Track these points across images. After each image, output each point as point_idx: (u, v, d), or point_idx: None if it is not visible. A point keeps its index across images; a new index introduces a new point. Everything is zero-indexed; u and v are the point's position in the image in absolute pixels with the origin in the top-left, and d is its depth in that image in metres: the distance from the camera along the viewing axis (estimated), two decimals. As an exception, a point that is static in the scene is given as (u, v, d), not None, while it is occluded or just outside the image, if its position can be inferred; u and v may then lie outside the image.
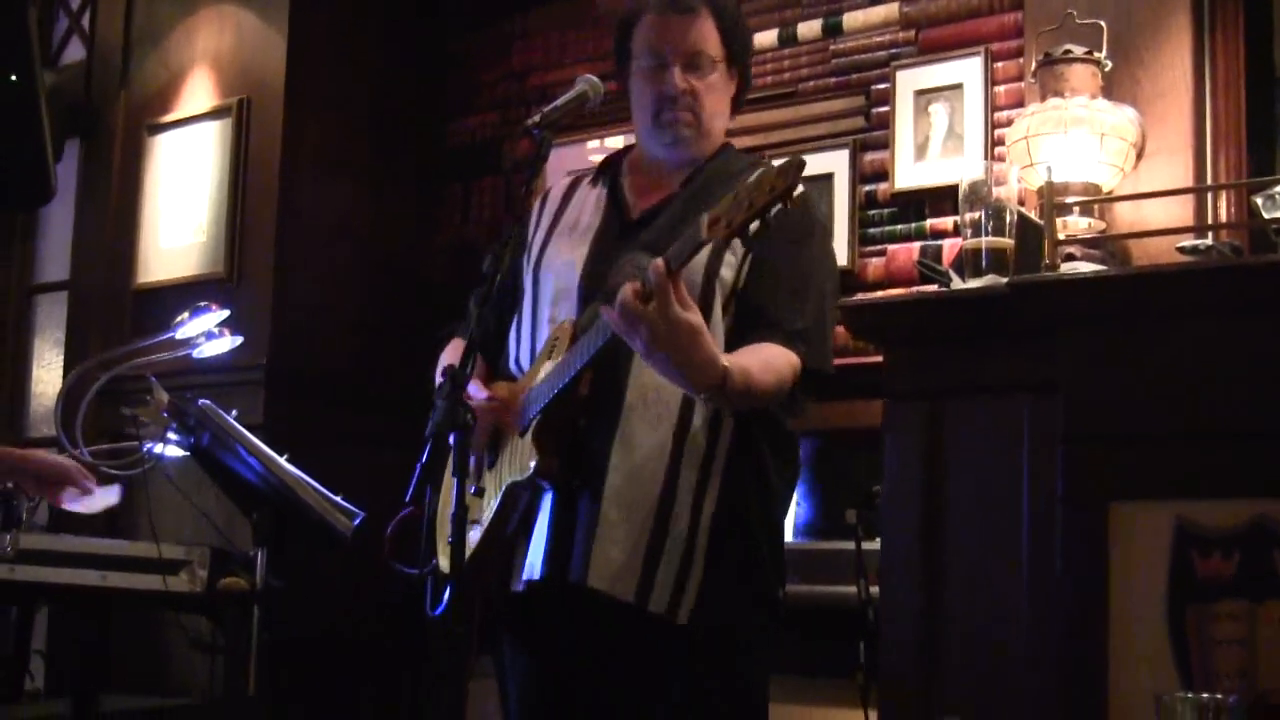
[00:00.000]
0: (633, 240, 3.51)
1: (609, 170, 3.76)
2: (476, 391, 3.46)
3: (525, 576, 3.41)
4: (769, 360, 3.33)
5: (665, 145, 3.61)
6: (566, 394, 3.32)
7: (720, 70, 3.60)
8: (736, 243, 3.29)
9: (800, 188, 3.43)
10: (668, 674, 3.41)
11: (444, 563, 3.38)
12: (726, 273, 3.42)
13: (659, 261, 3.03)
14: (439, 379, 3.10)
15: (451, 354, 3.75)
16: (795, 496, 3.79)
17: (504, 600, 3.50)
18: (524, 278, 3.71)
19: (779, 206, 2.94)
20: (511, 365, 3.68)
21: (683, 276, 3.08)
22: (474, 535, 3.46)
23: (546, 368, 3.42)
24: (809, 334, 3.41)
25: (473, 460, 3.46)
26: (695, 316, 3.08)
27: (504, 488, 3.44)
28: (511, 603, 3.49)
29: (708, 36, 3.58)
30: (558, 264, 3.60)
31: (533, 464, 3.35)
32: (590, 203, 3.70)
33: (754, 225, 2.96)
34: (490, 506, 3.46)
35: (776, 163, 3.04)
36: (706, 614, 3.35)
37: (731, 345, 3.31)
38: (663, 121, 3.57)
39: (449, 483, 3.25)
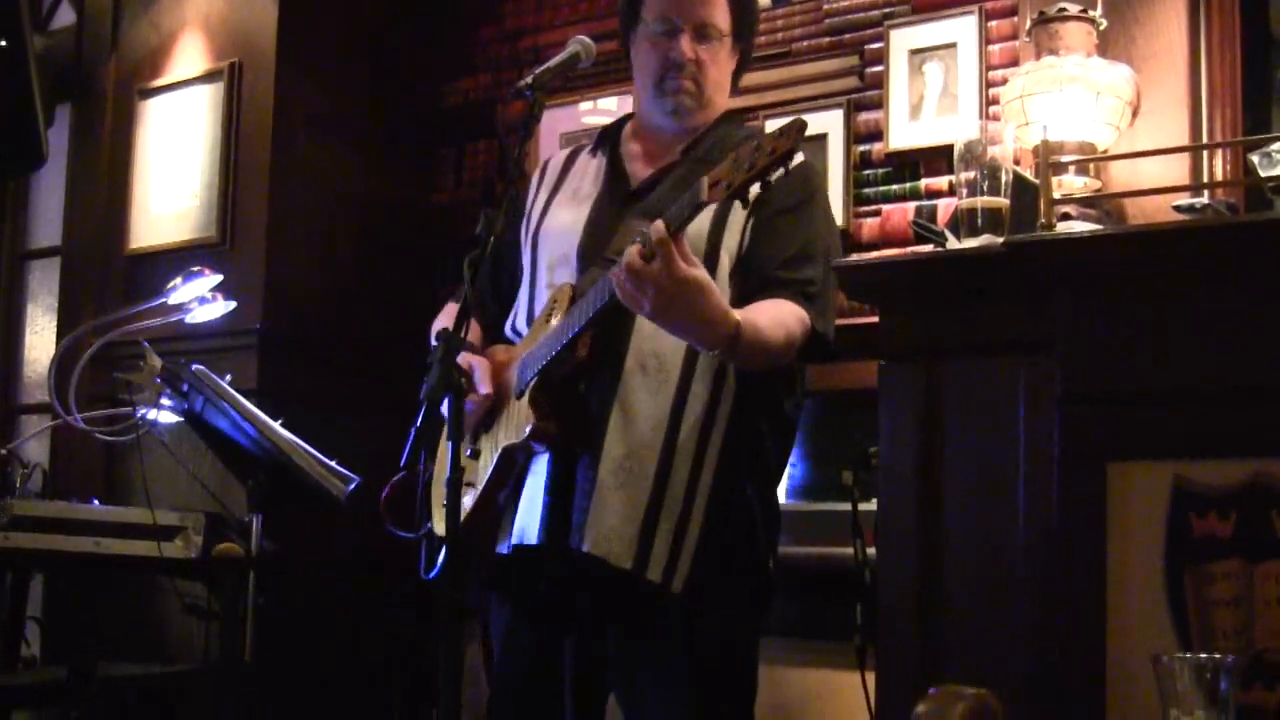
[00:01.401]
0: (632, 209, 3.50)
1: (608, 139, 3.76)
2: (480, 384, 3.47)
3: (517, 540, 3.40)
4: (779, 316, 3.34)
5: (666, 114, 3.62)
6: (564, 356, 3.32)
7: (727, 44, 3.62)
8: (739, 209, 3.30)
9: (800, 155, 3.44)
10: (658, 639, 3.42)
11: (439, 527, 3.39)
12: (730, 239, 3.43)
13: (659, 223, 3.03)
14: (433, 342, 3.10)
15: (445, 319, 3.75)
16: (791, 458, 3.79)
17: (490, 562, 3.50)
18: (523, 245, 3.70)
19: (780, 170, 2.94)
20: (509, 331, 3.67)
21: (686, 243, 3.08)
22: (468, 499, 3.47)
23: (545, 331, 3.42)
24: (816, 296, 3.42)
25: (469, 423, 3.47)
26: (700, 272, 3.08)
27: (499, 450, 3.44)
28: (498, 564, 3.49)
29: (720, 8, 3.60)
30: (556, 231, 3.60)
31: (529, 427, 3.35)
32: (591, 171, 3.71)
33: (754, 188, 2.95)
34: (486, 469, 3.46)
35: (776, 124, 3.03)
36: (700, 582, 3.36)
37: (738, 305, 3.31)
38: (666, 89, 3.58)
39: (444, 447, 3.25)
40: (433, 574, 3.49)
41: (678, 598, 3.35)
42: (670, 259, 3.02)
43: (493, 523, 3.49)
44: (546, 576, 3.46)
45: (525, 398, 3.39)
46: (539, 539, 3.37)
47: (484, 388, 3.49)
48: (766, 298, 3.39)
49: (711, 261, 3.38)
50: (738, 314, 3.19)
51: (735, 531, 3.45)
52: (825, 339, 3.50)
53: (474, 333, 3.64)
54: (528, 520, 3.40)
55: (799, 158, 3.57)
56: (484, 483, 3.46)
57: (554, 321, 3.42)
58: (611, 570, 3.31)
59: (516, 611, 3.62)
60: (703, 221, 3.37)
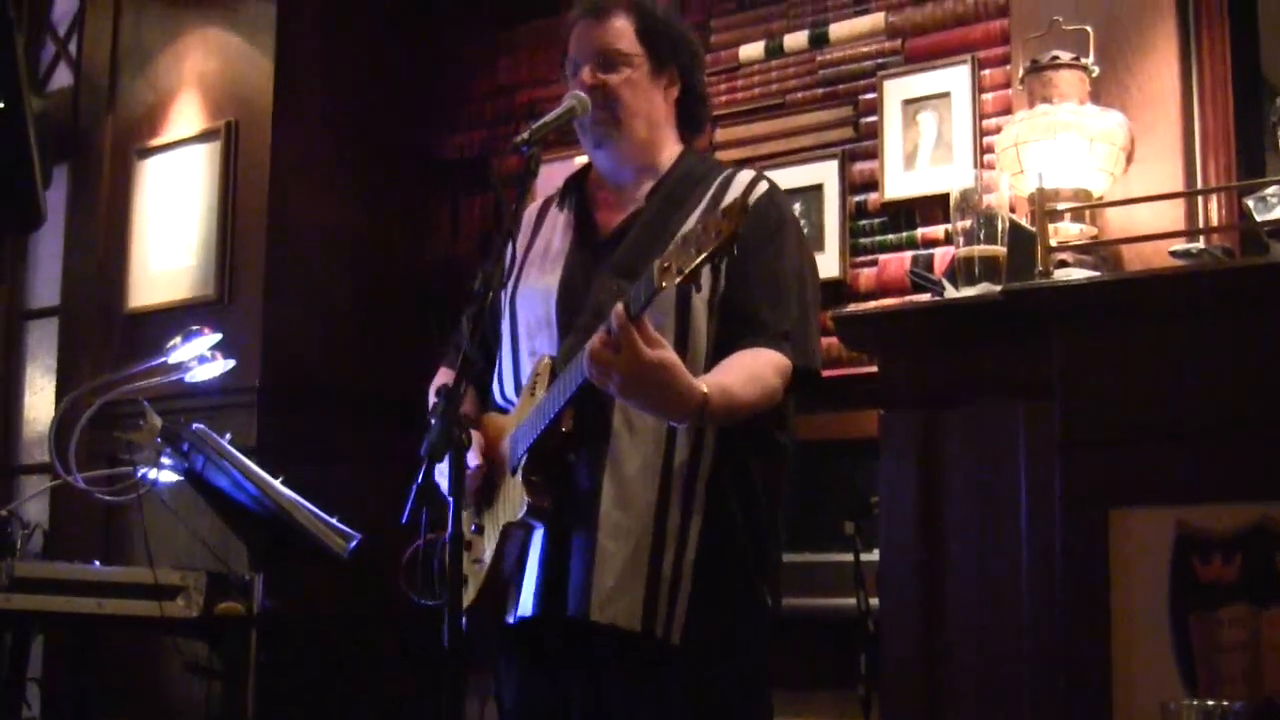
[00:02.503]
0: (604, 262, 3.50)
1: (573, 190, 3.75)
2: (470, 456, 3.47)
3: (520, 614, 3.41)
4: (754, 371, 3.32)
5: (594, 149, 3.61)
6: (551, 431, 3.33)
7: (642, 68, 3.58)
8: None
9: (759, 191, 3.45)
10: (663, 692, 3.41)
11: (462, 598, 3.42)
12: (703, 281, 3.41)
13: (619, 308, 3.03)
14: (433, 400, 3.10)
15: (442, 379, 3.75)
16: (792, 508, 3.78)
17: (499, 628, 3.51)
18: (502, 306, 3.70)
19: (726, 254, 2.94)
20: (498, 398, 3.68)
21: (647, 323, 3.08)
22: (471, 563, 3.49)
23: (531, 405, 3.43)
24: (793, 333, 3.40)
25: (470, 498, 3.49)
26: (664, 353, 3.07)
27: (500, 528, 3.45)
28: (506, 631, 3.50)
29: (621, 34, 3.58)
30: (531, 293, 3.59)
31: (525, 507, 3.37)
32: (560, 226, 3.69)
33: (705, 270, 2.96)
34: (490, 546, 3.48)
35: (731, 192, 3.06)
36: (697, 630, 3.35)
37: (720, 350, 3.30)
38: (584, 124, 3.57)
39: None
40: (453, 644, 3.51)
41: (676, 648, 3.34)
42: (632, 344, 3.03)
43: (501, 595, 3.50)
44: (546, 638, 3.46)
45: (518, 475, 3.40)
46: (534, 610, 3.38)
47: (474, 460, 3.49)
48: (744, 344, 3.38)
49: (683, 310, 3.38)
50: (706, 382, 3.18)
51: (729, 573, 3.45)
52: (811, 372, 3.48)
53: (470, 395, 3.64)
54: (527, 592, 3.41)
55: (762, 186, 3.57)
56: (489, 560, 3.48)
57: (537, 395, 3.43)
58: (618, 633, 3.31)
59: (523, 677, 3.62)
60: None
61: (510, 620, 3.46)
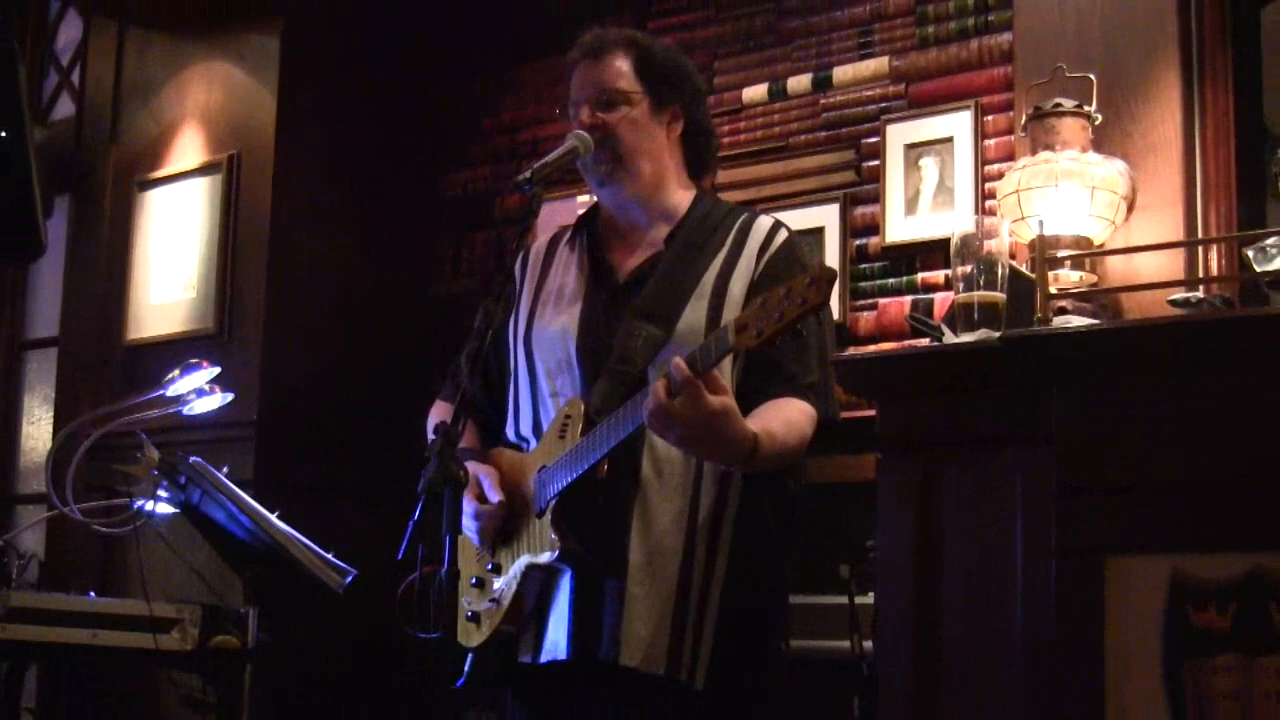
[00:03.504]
0: (624, 306, 3.51)
1: (583, 230, 3.75)
2: (490, 491, 3.48)
3: (549, 656, 3.41)
4: (790, 419, 3.37)
5: (599, 188, 3.63)
6: (585, 478, 3.34)
7: (642, 105, 3.60)
8: (735, 296, 3.35)
9: (782, 240, 3.47)
10: None
11: (465, 638, 3.44)
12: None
13: (681, 364, 3.06)
14: (430, 436, 3.11)
15: (439, 414, 3.76)
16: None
17: (511, 668, 3.52)
18: (512, 345, 3.70)
19: (808, 321, 2.98)
20: (510, 435, 3.68)
21: (715, 373, 3.11)
22: (485, 601, 3.50)
23: (560, 447, 3.42)
24: (818, 386, 3.44)
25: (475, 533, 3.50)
26: (727, 399, 3.12)
27: (522, 569, 3.45)
28: (519, 672, 3.51)
29: (620, 73, 3.60)
30: (548, 335, 3.60)
31: (555, 550, 3.37)
32: (573, 266, 3.70)
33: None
34: (508, 584, 3.48)
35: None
36: (720, 675, 3.37)
37: (742, 399, 3.31)
38: (585, 164, 3.58)
39: (464, 543, 3.29)
40: (460, 682, 3.52)
41: (697, 692, 3.35)
42: (699, 397, 3.06)
43: (516, 636, 3.51)
44: (578, 688, 3.47)
45: (547, 517, 3.40)
46: (568, 654, 3.38)
47: (495, 495, 3.49)
48: (774, 394, 3.40)
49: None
50: (754, 425, 3.21)
51: (748, 619, 3.46)
52: (831, 423, 3.51)
53: (469, 430, 3.64)
54: (559, 635, 3.41)
55: (783, 234, 3.59)
56: (508, 599, 3.48)
57: (567, 438, 3.42)
58: (637, 675, 3.32)
59: (533, 712, 3.62)
60: (699, 313, 3.41)
61: (537, 661, 3.46)
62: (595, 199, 3.80)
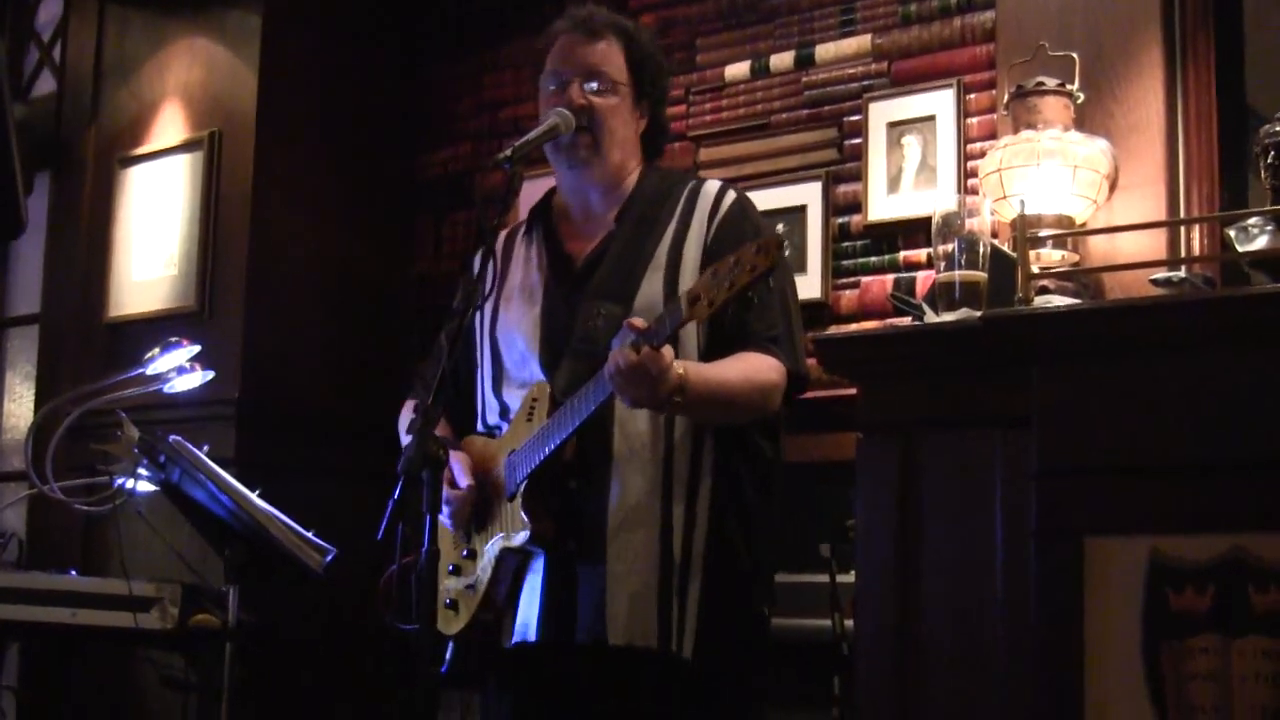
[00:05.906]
0: (583, 289, 3.52)
1: (538, 219, 3.75)
2: (460, 477, 3.48)
3: (519, 638, 3.42)
4: (747, 367, 3.38)
5: (567, 169, 3.62)
6: (554, 458, 3.34)
7: (625, 96, 3.60)
8: (694, 262, 3.36)
9: (732, 202, 3.49)
10: (670, 707, 3.42)
11: (445, 626, 3.44)
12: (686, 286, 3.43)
13: (637, 321, 3.10)
14: (403, 439, 3.11)
15: (409, 414, 3.76)
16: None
17: (493, 654, 3.52)
18: (479, 336, 3.71)
19: (761, 284, 2.99)
20: (479, 426, 3.69)
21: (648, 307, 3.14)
22: (463, 587, 3.50)
23: (528, 430, 3.43)
24: (780, 338, 3.44)
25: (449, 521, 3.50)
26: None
27: (496, 553, 3.46)
28: (499, 657, 3.51)
29: (612, 59, 3.61)
30: (513, 330, 3.62)
31: (526, 532, 3.38)
32: (532, 259, 3.70)
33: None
34: (483, 570, 3.49)
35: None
36: (705, 643, 3.37)
37: (709, 360, 3.35)
38: (561, 143, 3.56)
39: (442, 531, 3.29)
40: (444, 669, 3.53)
41: (685, 661, 3.36)
42: (657, 359, 3.09)
43: (495, 621, 3.51)
44: (548, 670, 3.47)
45: (519, 500, 3.40)
46: (537, 636, 3.38)
47: (464, 480, 3.49)
48: (734, 351, 3.41)
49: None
50: (682, 366, 3.21)
51: (729, 586, 3.47)
52: (801, 377, 3.51)
53: (441, 422, 3.64)
54: (528, 616, 3.42)
55: (730, 195, 3.60)
56: (484, 584, 3.48)
57: (534, 420, 3.43)
58: (635, 653, 3.33)
59: (517, 706, 3.61)
60: (657, 284, 3.43)
61: (506, 644, 3.47)
62: (551, 187, 3.79)
